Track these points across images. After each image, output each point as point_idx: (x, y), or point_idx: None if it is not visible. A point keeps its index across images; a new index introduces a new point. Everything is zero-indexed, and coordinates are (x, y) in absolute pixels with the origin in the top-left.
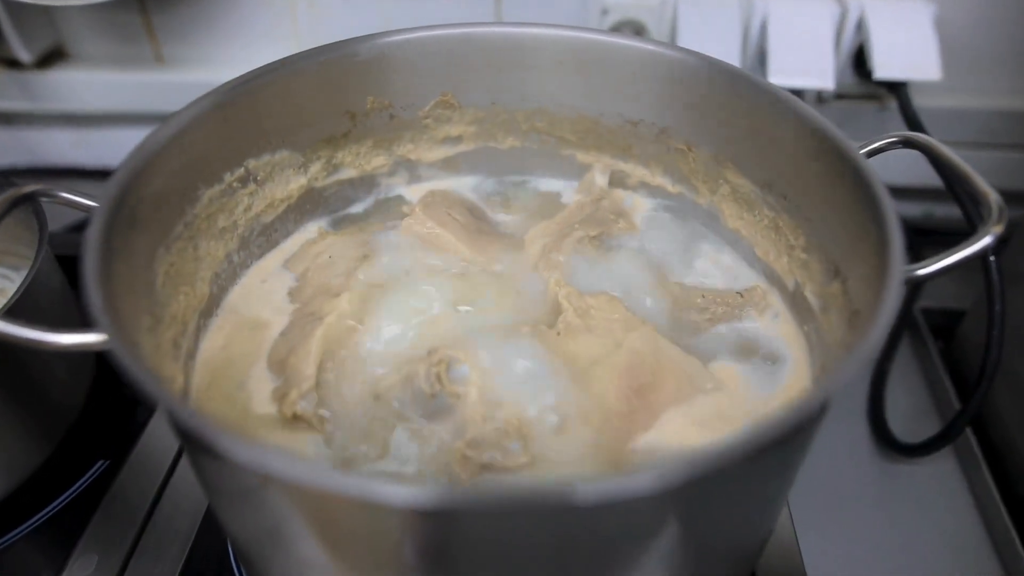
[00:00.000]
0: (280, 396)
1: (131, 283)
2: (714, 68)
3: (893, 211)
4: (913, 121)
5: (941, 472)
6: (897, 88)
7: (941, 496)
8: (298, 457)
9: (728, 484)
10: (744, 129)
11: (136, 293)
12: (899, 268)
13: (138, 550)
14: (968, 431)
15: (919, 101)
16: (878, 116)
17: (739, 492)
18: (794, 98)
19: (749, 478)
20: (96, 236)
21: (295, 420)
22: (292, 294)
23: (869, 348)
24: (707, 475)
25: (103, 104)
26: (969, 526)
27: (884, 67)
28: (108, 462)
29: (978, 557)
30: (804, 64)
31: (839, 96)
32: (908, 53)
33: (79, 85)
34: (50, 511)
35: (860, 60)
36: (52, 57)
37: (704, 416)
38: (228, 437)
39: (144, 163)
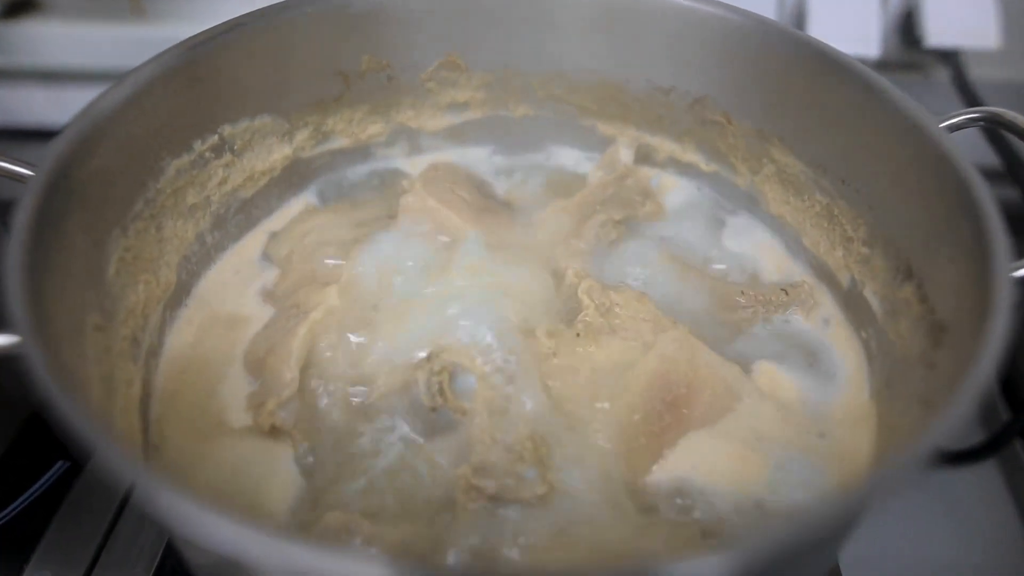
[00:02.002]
0: (256, 404)
1: (73, 272)
2: (763, 28)
3: (991, 202)
4: (969, 94)
5: (982, 480)
6: (949, 57)
7: (982, 505)
8: (249, 527)
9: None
10: (796, 100)
11: (80, 284)
12: (1006, 275)
13: (99, 565)
14: None
15: (972, 72)
16: (922, 88)
17: (807, 554)
18: (861, 66)
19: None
20: (26, 217)
21: (273, 431)
22: (274, 282)
23: (981, 380)
24: (790, 551)
25: (77, 60)
26: (1012, 536)
27: (937, 34)
28: (68, 464)
29: (1020, 568)
30: (847, 28)
31: (878, 65)
32: (963, 19)
33: (51, 39)
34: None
35: (907, 26)
36: (21, 7)
37: (745, 435)
38: (168, 497)
39: (93, 129)
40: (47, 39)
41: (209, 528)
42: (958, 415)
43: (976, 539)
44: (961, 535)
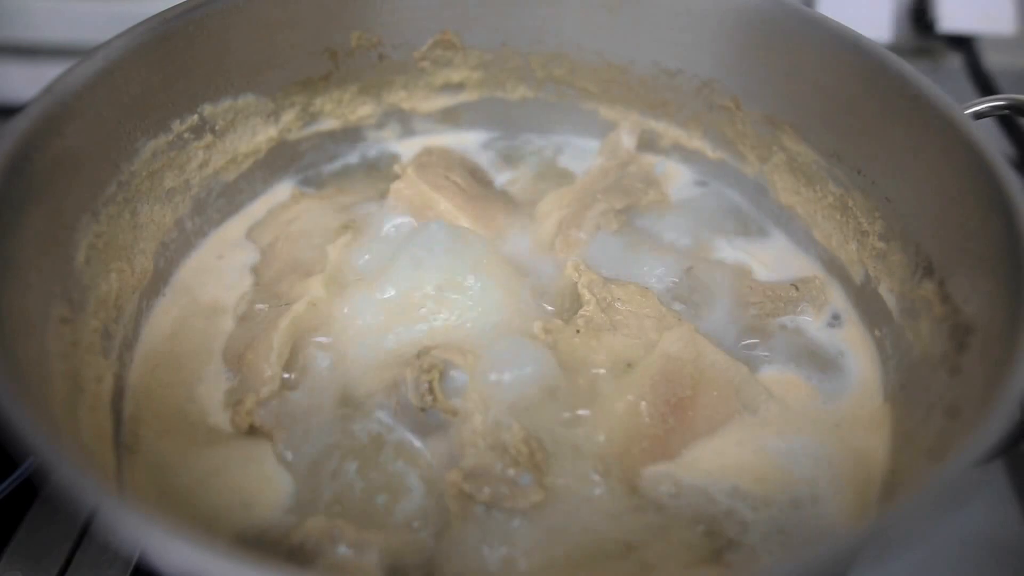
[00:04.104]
0: (234, 402)
1: (35, 261)
2: (776, 7)
3: (1022, 195)
4: (984, 81)
5: (988, 479)
6: (963, 43)
7: (987, 505)
8: (222, 558)
9: None
10: (810, 84)
11: (43, 274)
12: None
13: (72, 567)
14: None
15: (987, 59)
16: (933, 76)
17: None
18: (881, 48)
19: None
20: None
21: (253, 431)
22: (257, 270)
23: (1018, 389)
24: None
25: (63, 36)
26: (1016, 535)
27: (950, 18)
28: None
29: None
30: (857, 10)
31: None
32: (978, 3)
33: (35, 13)
34: None
35: (920, 9)
36: None
37: (752, 439)
38: (137, 527)
39: (58, 107)
40: (30, 13)
41: (180, 560)
42: (994, 429)
43: (980, 538)
44: (965, 533)
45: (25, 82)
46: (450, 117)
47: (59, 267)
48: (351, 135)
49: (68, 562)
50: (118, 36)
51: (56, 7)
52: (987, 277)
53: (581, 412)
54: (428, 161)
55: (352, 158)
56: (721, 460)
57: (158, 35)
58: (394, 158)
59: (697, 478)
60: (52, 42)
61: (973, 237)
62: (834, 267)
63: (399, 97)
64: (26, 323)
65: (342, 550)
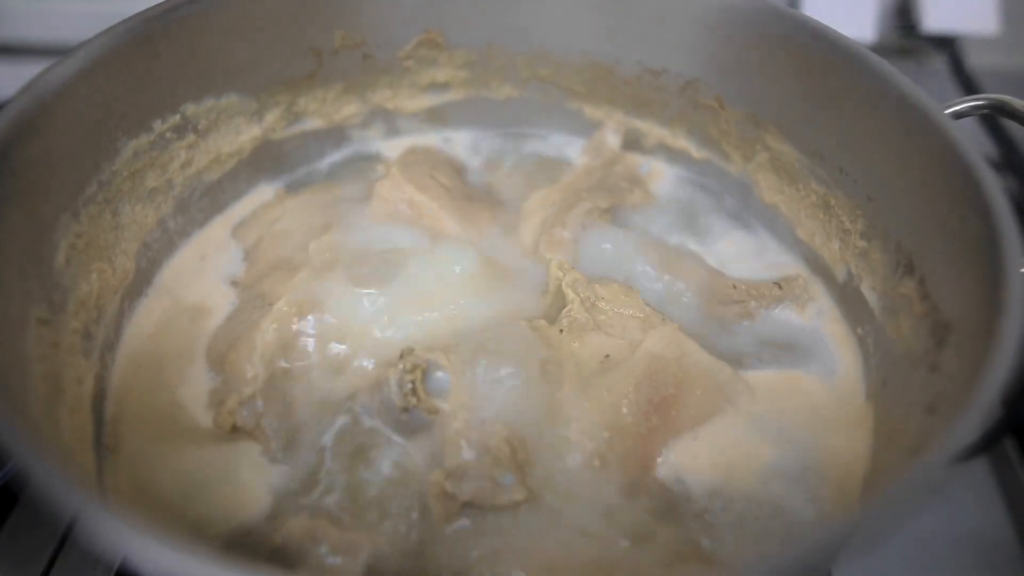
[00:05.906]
0: (217, 403)
1: (12, 261)
2: (759, 7)
3: (1001, 195)
4: (967, 81)
5: (972, 476)
6: (946, 43)
7: (971, 502)
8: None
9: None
10: (792, 84)
11: (21, 274)
12: (1018, 272)
13: (54, 570)
14: None
15: (969, 59)
16: (916, 75)
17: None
18: (863, 48)
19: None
20: None
21: (235, 431)
22: (241, 270)
23: (993, 387)
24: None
25: (47, 35)
26: (1001, 533)
27: (934, 18)
28: None
29: (1010, 566)
30: (841, 9)
31: (872, 50)
32: (961, 3)
33: (17, 11)
34: None
35: (904, 10)
36: None
37: (735, 438)
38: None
39: (37, 106)
40: (11, 11)
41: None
42: (973, 426)
43: (965, 535)
44: (949, 531)
45: (5, 81)
46: (435, 116)
47: (38, 268)
48: (336, 135)
49: (51, 564)
50: (99, 35)
51: (37, 6)
52: (965, 275)
53: (564, 412)
54: (413, 160)
55: (337, 158)
56: (703, 458)
57: (139, 34)
58: (379, 158)
59: (678, 476)
60: (33, 41)
61: (952, 236)
62: (817, 265)
63: (384, 96)
64: (4, 325)
65: (324, 551)
